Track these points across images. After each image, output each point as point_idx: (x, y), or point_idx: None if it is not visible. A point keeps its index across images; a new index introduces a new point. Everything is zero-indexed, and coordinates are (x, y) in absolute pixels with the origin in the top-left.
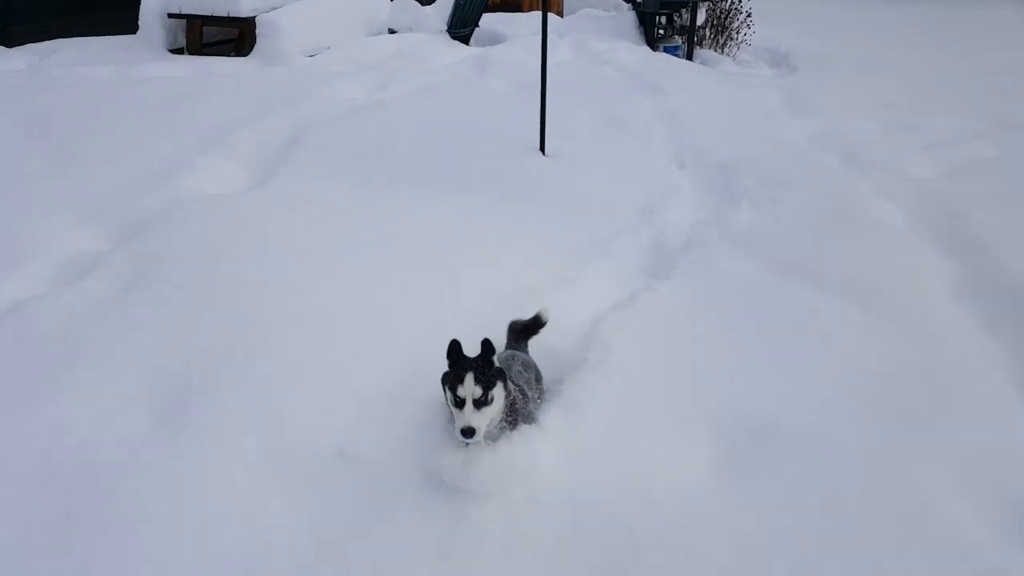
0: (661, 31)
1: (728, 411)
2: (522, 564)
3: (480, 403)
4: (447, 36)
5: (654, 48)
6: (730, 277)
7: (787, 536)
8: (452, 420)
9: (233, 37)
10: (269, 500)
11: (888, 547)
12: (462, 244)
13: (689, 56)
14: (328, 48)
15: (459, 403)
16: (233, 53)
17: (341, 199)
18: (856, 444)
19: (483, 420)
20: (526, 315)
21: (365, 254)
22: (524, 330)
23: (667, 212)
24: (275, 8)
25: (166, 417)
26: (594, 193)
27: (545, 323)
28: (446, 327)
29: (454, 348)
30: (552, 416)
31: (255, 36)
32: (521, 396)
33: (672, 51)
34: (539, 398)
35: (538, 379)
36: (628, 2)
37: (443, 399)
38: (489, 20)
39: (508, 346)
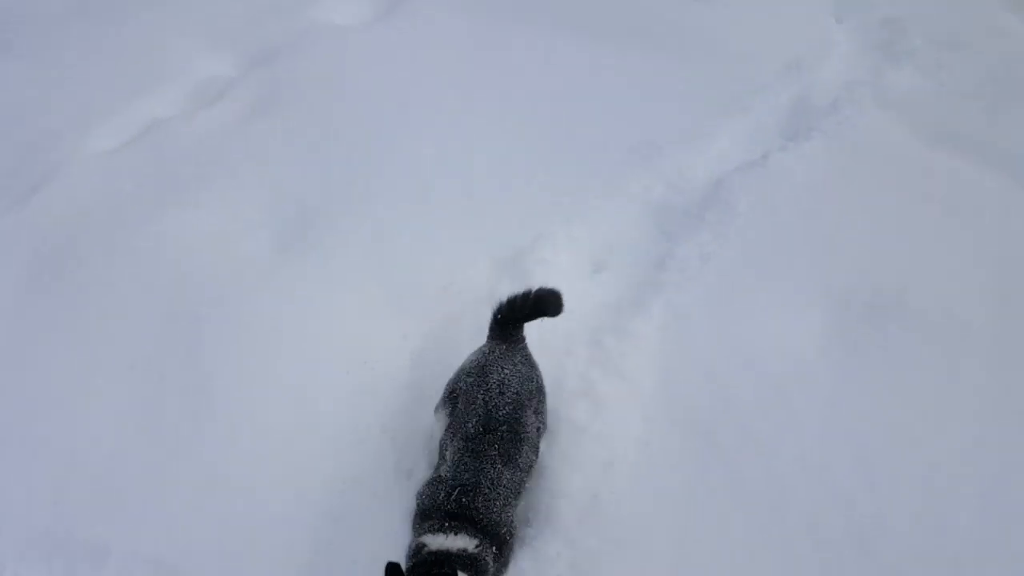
0: None
1: (852, 283)
2: (618, 407)
3: None
4: None
5: None
6: (877, 143)
7: (890, 412)
8: None
9: None
10: (378, 325)
11: (994, 434)
12: (585, 90)
13: None
14: None
15: None
16: None
17: (463, 36)
18: (984, 329)
19: None
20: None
21: (483, 96)
22: (524, 313)
23: (816, 69)
24: None
25: (287, 242)
26: (736, 42)
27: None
28: (561, 176)
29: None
30: (661, 276)
31: None
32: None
33: None
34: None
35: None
36: None
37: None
38: None
39: (499, 335)
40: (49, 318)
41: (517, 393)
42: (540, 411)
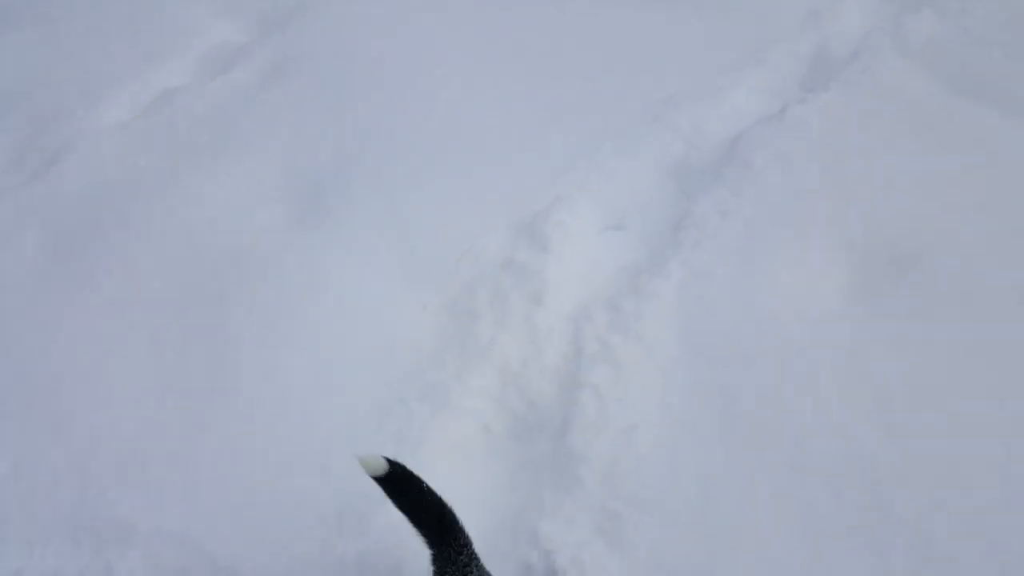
0: None
1: (872, 236)
2: (638, 370)
3: None
4: None
5: None
6: (897, 92)
7: (911, 366)
8: None
9: None
10: (396, 295)
11: (1015, 386)
12: (600, 46)
13: None
14: None
15: None
16: None
17: None
18: (1007, 282)
19: None
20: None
21: (497, 54)
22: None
23: (835, 18)
24: None
25: (303, 213)
26: None
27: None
28: (577, 135)
29: None
30: (679, 236)
31: None
32: None
33: None
34: None
35: None
36: None
37: None
38: None
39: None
40: (68, 294)
41: None
42: None
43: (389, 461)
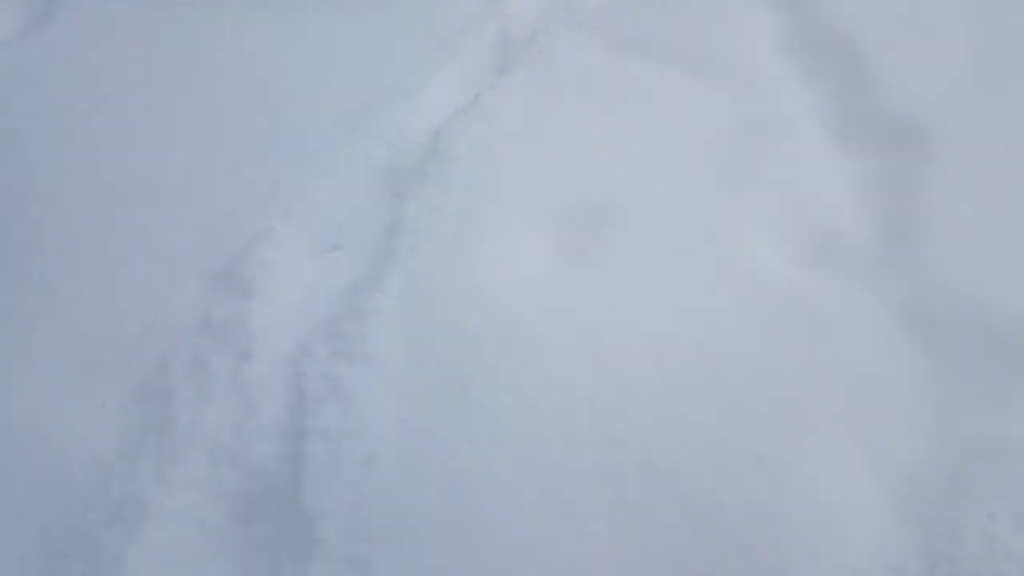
0: None
1: (568, 200)
2: (370, 395)
3: None
4: None
5: None
6: (573, 63)
7: (615, 308)
8: None
9: None
10: (65, 403)
11: (698, 289)
12: (287, 65)
13: None
14: None
15: None
16: None
17: (140, 27)
18: (679, 210)
19: None
20: None
21: (170, 93)
22: None
23: (512, 1)
24: None
25: None
26: None
27: None
28: (273, 164)
29: None
30: (394, 242)
31: None
32: None
33: None
34: None
35: None
36: None
37: None
38: None
39: None
40: None
41: None
42: None
43: None
